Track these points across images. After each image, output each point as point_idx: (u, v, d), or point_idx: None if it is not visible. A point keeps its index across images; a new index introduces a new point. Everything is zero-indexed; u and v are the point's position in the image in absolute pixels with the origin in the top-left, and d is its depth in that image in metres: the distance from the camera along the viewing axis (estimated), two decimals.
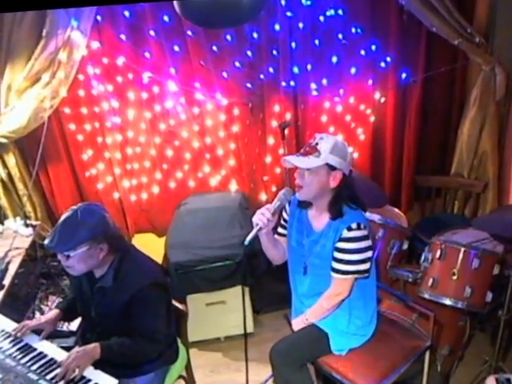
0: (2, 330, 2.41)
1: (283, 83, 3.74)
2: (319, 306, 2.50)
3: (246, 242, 2.31)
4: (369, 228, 2.40)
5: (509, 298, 2.75)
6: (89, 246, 2.17)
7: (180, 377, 2.73)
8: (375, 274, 2.59)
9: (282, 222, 2.62)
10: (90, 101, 3.68)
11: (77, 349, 2.19)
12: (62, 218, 2.21)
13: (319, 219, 2.44)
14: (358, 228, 2.32)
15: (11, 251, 3.19)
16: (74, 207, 2.23)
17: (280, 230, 2.64)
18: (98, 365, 2.17)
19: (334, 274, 2.40)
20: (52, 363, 2.20)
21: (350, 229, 2.31)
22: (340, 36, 3.63)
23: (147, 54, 3.58)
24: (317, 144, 2.31)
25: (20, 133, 3.42)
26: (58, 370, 2.13)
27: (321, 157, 2.27)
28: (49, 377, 2.11)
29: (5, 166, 3.58)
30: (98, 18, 3.43)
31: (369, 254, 2.37)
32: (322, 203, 2.39)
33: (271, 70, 3.70)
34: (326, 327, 2.53)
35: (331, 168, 2.29)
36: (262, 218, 2.33)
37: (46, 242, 2.20)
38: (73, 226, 2.16)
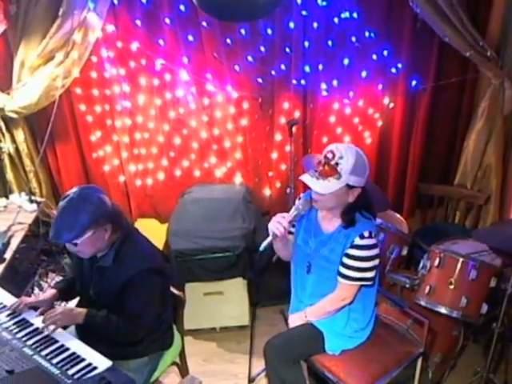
0: (1, 303, 2.42)
1: (294, 81, 3.74)
2: (321, 307, 2.51)
3: (261, 249, 2.32)
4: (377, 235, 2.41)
5: (503, 312, 2.76)
6: (93, 230, 2.18)
7: (173, 363, 2.74)
8: (377, 279, 2.58)
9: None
10: (101, 83, 3.70)
11: (65, 305, 2.17)
12: (59, 208, 2.19)
13: (330, 222, 2.44)
14: (370, 236, 2.32)
15: (14, 225, 3.21)
16: (69, 194, 2.20)
17: (291, 229, 2.59)
18: (93, 345, 2.18)
19: (340, 279, 2.40)
20: (48, 339, 2.20)
21: (362, 237, 2.31)
22: (353, 39, 3.63)
23: (161, 42, 3.58)
24: (337, 164, 2.22)
25: (31, 109, 3.44)
26: (53, 347, 2.15)
27: (341, 179, 2.22)
28: (44, 353, 2.12)
29: (13, 141, 3.60)
30: (115, 1, 3.44)
31: (376, 261, 2.38)
32: (336, 210, 2.38)
33: (283, 66, 3.70)
34: (323, 327, 2.54)
35: (350, 187, 2.27)
36: (278, 226, 2.31)
37: (51, 236, 2.19)
38: (72, 214, 2.15)
